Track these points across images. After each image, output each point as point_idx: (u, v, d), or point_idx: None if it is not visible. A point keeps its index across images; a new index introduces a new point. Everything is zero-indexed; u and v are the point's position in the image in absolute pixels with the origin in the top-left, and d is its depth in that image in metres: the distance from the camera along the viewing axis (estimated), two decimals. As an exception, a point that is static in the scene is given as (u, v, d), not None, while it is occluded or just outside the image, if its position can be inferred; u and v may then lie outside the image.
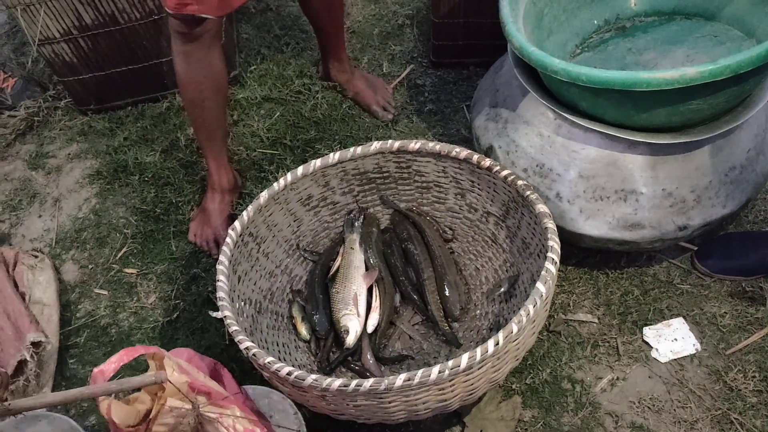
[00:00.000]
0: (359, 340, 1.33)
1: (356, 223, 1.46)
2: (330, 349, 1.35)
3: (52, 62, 1.78)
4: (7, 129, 1.93)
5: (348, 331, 1.31)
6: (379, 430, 1.30)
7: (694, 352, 1.33)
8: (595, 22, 1.48)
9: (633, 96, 1.10)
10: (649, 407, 1.28)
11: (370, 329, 1.33)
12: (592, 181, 1.26)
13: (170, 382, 0.94)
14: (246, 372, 1.40)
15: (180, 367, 0.98)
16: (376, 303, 1.36)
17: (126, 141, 1.85)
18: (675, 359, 1.33)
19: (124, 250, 1.63)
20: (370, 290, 1.38)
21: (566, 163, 1.27)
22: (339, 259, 1.43)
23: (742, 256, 1.41)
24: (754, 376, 1.28)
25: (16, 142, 1.92)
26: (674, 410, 1.27)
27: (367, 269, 1.40)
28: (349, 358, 1.35)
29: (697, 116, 1.19)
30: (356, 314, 1.33)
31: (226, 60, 1.45)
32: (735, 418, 1.24)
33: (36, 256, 1.57)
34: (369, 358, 1.31)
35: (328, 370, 1.32)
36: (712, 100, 1.13)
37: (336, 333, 1.34)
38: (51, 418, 1.25)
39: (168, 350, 1.45)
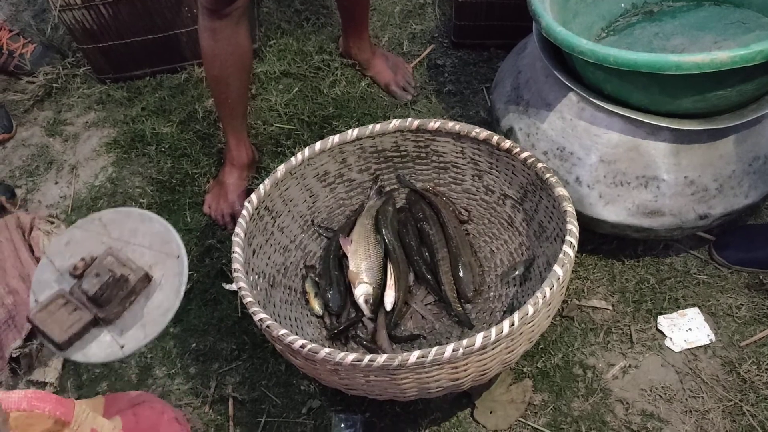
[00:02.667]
0: (374, 314, 1.33)
1: (380, 195, 1.46)
2: (351, 321, 1.36)
3: (72, 29, 1.78)
4: (25, 95, 1.93)
5: (370, 301, 1.32)
6: (389, 406, 1.30)
7: (708, 342, 1.32)
8: (623, 5, 1.45)
9: (660, 80, 1.08)
10: (660, 396, 1.27)
11: (388, 307, 1.33)
12: (613, 166, 1.24)
13: None
14: (257, 345, 1.41)
15: None
16: (391, 281, 1.36)
17: (144, 111, 1.85)
18: (689, 349, 1.32)
19: (140, 219, 1.64)
20: (385, 269, 1.38)
21: (587, 147, 1.25)
22: (356, 228, 1.42)
23: (761, 249, 1.39)
24: (768, 369, 1.28)
25: (34, 108, 1.92)
26: (686, 399, 1.26)
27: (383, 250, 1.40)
28: (361, 334, 1.35)
29: (723, 103, 1.17)
30: (379, 286, 1.34)
31: (249, 36, 1.44)
32: (747, 410, 1.23)
33: (52, 222, 1.58)
34: (384, 335, 1.31)
35: (336, 333, 1.33)
36: (740, 87, 1.11)
37: (356, 302, 1.34)
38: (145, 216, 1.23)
39: (180, 321, 1.46)
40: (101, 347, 1.12)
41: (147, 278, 1.17)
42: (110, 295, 1.10)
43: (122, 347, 1.10)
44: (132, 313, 1.12)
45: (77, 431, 0.78)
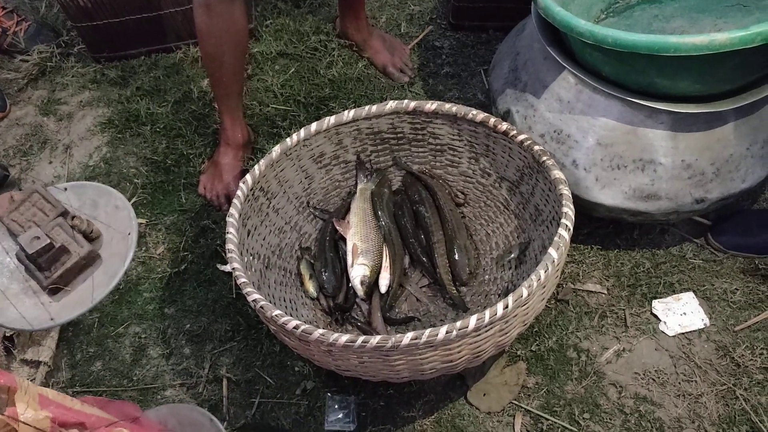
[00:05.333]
0: (369, 296, 1.33)
1: (370, 175, 1.45)
2: (348, 304, 1.36)
3: (66, 6, 1.76)
4: (19, 73, 1.91)
5: (365, 282, 1.32)
6: (383, 387, 1.30)
7: (703, 327, 1.32)
8: (622, -14, 1.44)
9: (659, 62, 1.07)
10: (654, 379, 1.27)
11: (383, 289, 1.33)
12: (610, 149, 1.23)
13: (22, 422, 0.76)
14: (251, 326, 1.41)
15: (41, 400, 0.80)
16: (386, 263, 1.36)
17: (138, 91, 1.83)
18: (683, 333, 1.32)
19: (134, 199, 1.63)
20: (380, 251, 1.38)
21: (585, 130, 1.25)
22: (354, 211, 1.41)
23: (758, 234, 1.39)
24: (762, 353, 1.27)
25: (28, 87, 1.91)
26: (679, 383, 1.27)
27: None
28: (355, 315, 1.35)
29: (722, 87, 1.16)
30: (374, 269, 1.34)
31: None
32: (740, 394, 1.23)
33: (46, 202, 1.57)
34: (378, 317, 1.31)
35: (337, 308, 1.34)
36: (739, 69, 1.10)
37: (351, 283, 1.34)
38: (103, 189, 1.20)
39: (175, 302, 1.46)
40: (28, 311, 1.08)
41: (91, 256, 1.09)
42: (47, 261, 1.06)
43: (51, 318, 1.06)
44: (71, 288, 1.08)
45: (26, 396, 0.77)
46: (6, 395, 0.75)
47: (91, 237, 1.09)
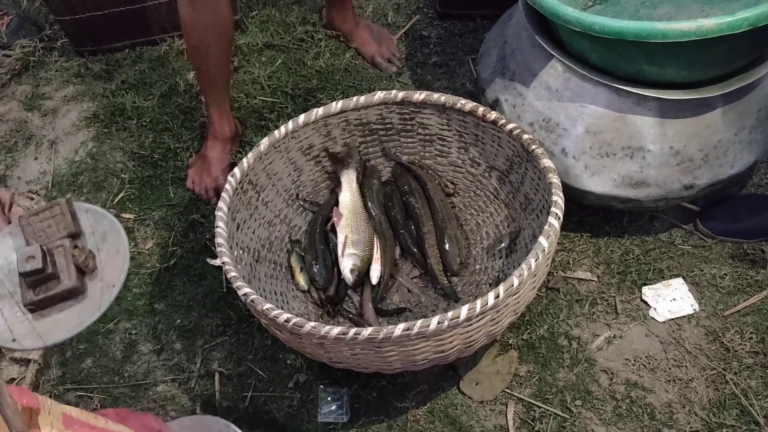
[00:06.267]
0: (360, 287, 1.33)
1: (351, 162, 1.44)
2: (339, 296, 1.35)
3: (48, 0, 1.73)
4: (2, 68, 1.89)
5: (356, 271, 1.31)
6: (375, 379, 1.30)
7: (692, 312, 1.33)
8: (610, -27, 1.43)
9: (646, 48, 1.07)
10: (644, 365, 1.28)
11: (374, 281, 1.33)
12: (599, 136, 1.23)
13: None
14: (242, 320, 1.40)
15: (65, 420, 0.76)
16: (377, 254, 1.35)
17: (123, 84, 1.81)
18: (672, 319, 1.33)
19: (122, 195, 1.62)
20: (372, 241, 1.37)
21: (573, 118, 1.24)
22: (344, 202, 1.41)
23: (746, 219, 1.40)
24: (751, 338, 1.29)
25: (11, 83, 1.88)
26: (669, 369, 1.27)
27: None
28: (347, 307, 1.35)
29: (710, 72, 1.16)
30: (365, 259, 1.33)
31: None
32: (730, 378, 1.24)
33: (32, 198, 1.55)
34: (370, 308, 1.30)
35: (329, 308, 1.34)
36: (726, 55, 1.10)
37: (342, 273, 1.34)
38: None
39: (165, 297, 1.45)
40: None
41: (75, 292, 1.10)
42: (33, 283, 1.07)
43: (13, 340, 1.08)
44: (49, 312, 1.10)
45: (50, 416, 0.74)
46: (29, 417, 0.71)
47: (85, 271, 1.09)
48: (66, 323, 1.08)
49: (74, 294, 1.07)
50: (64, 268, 1.07)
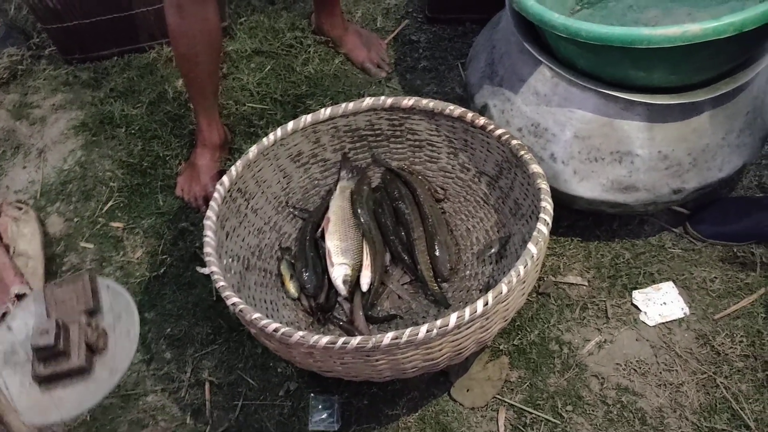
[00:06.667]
0: (351, 295, 1.32)
1: (352, 173, 1.45)
2: (330, 303, 1.35)
3: (35, 8, 1.73)
4: (-11, 77, 1.88)
5: (348, 281, 1.31)
6: (366, 386, 1.30)
7: (683, 316, 1.33)
8: (597, -23, 1.44)
9: (633, 54, 1.07)
10: (635, 370, 1.28)
11: (364, 287, 1.32)
12: (587, 141, 1.23)
13: None
14: (233, 328, 1.39)
15: None
16: (367, 261, 1.35)
17: (112, 92, 1.81)
18: (663, 323, 1.33)
19: (111, 203, 1.61)
20: (362, 250, 1.37)
21: (562, 123, 1.24)
22: (333, 209, 1.40)
23: (735, 222, 1.40)
24: (741, 341, 1.29)
25: (-1, 91, 1.88)
26: (660, 373, 1.27)
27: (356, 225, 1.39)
28: (337, 315, 1.34)
29: (697, 77, 1.16)
30: (355, 267, 1.33)
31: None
32: (721, 382, 1.24)
33: (20, 208, 1.54)
34: (360, 316, 1.30)
35: (319, 308, 1.33)
36: (713, 59, 1.10)
37: (332, 283, 1.33)
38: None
39: (154, 306, 1.44)
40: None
41: (80, 371, 1.13)
42: (43, 357, 1.10)
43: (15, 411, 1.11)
44: (54, 387, 1.13)
45: None
46: None
47: (95, 349, 1.10)
48: (67, 403, 1.11)
49: (80, 373, 1.10)
50: (75, 346, 1.10)
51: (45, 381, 1.10)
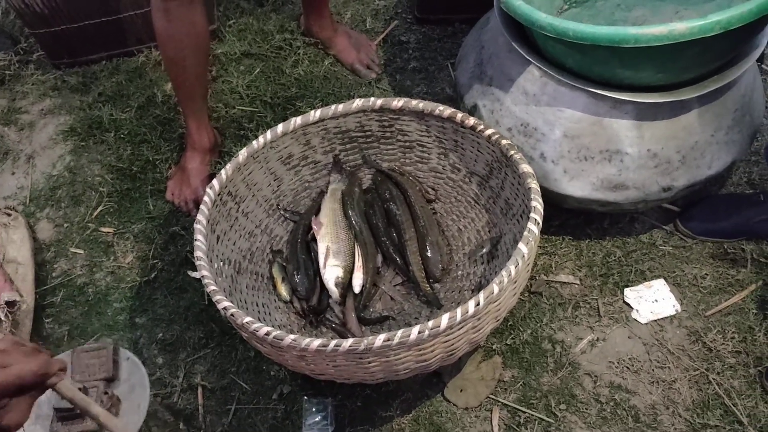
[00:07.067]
0: (343, 297, 1.32)
1: (343, 176, 1.45)
2: (322, 306, 1.35)
3: (22, 13, 1.71)
4: (-23, 83, 1.87)
5: (340, 284, 1.31)
6: (360, 388, 1.29)
7: (674, 313, 1.33)
8: (584, -23, 1.44)
9: (620, 53, 1.07)
10: (627, 367, 1.28)
11: (357, 289, 1.32)
12: (576, 140, 1.24)
13: None
14: (225, 332, 1.39)
15: None
16: (359, 263, 1.35)
17: (101, 97, 1.80)
18: (655, 320, 1.33)
19: (100, 208, 1.60)
20: (354, 252, 1.37)
21: (551, 123, 1.25)
22: (324, 211, 1.40)
23: (725, 219, 1.41)
24: (733, 337, 1.29)
25: (-14, 97, 1.86)
26: (653, 370, 1.28)
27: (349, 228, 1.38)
28: (329, 317, 1.34)
29: (685, 75, 1.16)
30: (347, 269, 1.33)
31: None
32: (713, 378, 1.25)
33: (9, 214, 1.53)
34: (353, 318, 1.30)
35: (312, 319, 1.33)
36: (700, 57, 1.10)
37: (325, 286, 1.33)
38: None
39: (145, 311, 1.43)
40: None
41: None
42: (63, 418, 1.19)
43: None
44: None
45: None
46: None
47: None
48: None
49: None
50: (88, 411, 1.15)
51: None
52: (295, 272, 1.36)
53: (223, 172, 1.26)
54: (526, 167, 1.17)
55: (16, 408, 0.71)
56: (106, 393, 1.22)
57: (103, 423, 0.84)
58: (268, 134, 1.31)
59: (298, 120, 1.33)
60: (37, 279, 1.47)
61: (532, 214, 1.10)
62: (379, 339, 0.98)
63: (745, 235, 1.40)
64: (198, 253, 1.15)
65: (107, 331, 1.42)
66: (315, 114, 1.33)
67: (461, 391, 1.28)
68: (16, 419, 0.71)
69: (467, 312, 0.99)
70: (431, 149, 1.41)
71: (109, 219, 1.58)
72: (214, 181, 1.24)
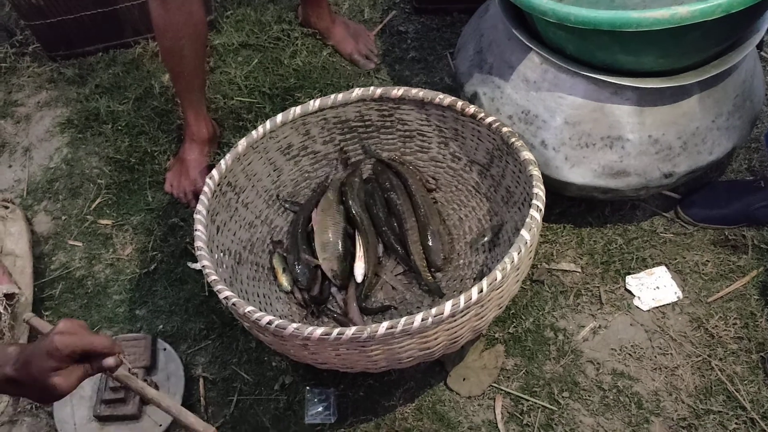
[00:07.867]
0: (344, 286, 1.32)
1: (344, 167, 1.45)
2: (324, 296, 1.35)
3: (17, 5, 1.70)
4: (-28, 76, 1.85)
5: (338, 278, 1.31)
6: (362, 378, 1.29)
7: (676, 300, 1.33)
8: (584, -37, 1.43)
9: (622, 38, 1.07)
10: (630, 354, 1.28)
11: (358, 279, 1.32)
12: (578, 127, 1.23)
13: None
14: (226, 324, 1.38)
15: None
16: (360, 252, 1.34)
17: (97, 88, 1.79)
18: (657, 307, 1.33)
19: (99, 200, 1.59)
20: (353, 240, 1.36)
21: (552, 110, 1.24)
22: (321, 202, 1.40)
23: (726, 205, 1.40)
24: (735, 323, 1.29)
25: (-18, 90, 1.85)
26: (655, 357, 1.28)
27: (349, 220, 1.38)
28: (331, 307, 1.34)
29: (685, 60, 1.16)
30: (340, 258, 1.33)
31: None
32: (715, 365, 1.25)
33: (7, 207, 1.52)
34: (354, 307, 1.29)
35: (313, 309, 1.33)
36: (701, 42, 1.10)
37: (325, 275, 1.34)
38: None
39: (146, 302, 1.43)
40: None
41: (134, 417, 1.26)
42: (107, 400, 1.26)
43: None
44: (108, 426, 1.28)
45: None
46: None
47: (146, 401, 1.18)
48: None
49: (132, 419, 1.26)
50: (131, 395, 1.26)
51: (103, 420, 1.26)
52: (295, 263, 1.36)
53: (222, 162, 1.25)
54: (527, 154, 1.17)
55: (70, 374, 0.75)
56: (145, 380, 1.23)
57: (160, 403, 0.85)
58: (268, 124, 1.31)
59: (297, 110, 1.32)
60: (36, 272, 1.47)
61: (534, 201, 1.09)
62: (383, 327, 0.97)
63: (745, 221, 1.40)
64: (198, 244, 1.15)
65: (107, 323, 1.42)
66: (314, 104, 1.33)
67: (464, 379, 1.28)
68: (65, 384, 0.74)
69: (470, 299, 0.99)
70: (431, 138, 1.41)
71: (108, 211, 1.57)
72: (214, 172, 1.24)
